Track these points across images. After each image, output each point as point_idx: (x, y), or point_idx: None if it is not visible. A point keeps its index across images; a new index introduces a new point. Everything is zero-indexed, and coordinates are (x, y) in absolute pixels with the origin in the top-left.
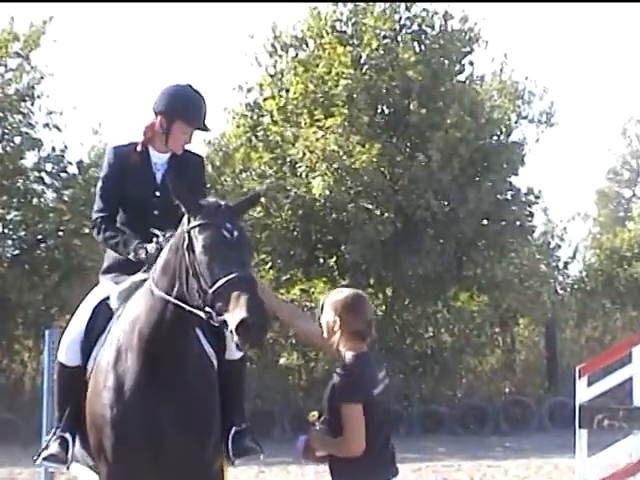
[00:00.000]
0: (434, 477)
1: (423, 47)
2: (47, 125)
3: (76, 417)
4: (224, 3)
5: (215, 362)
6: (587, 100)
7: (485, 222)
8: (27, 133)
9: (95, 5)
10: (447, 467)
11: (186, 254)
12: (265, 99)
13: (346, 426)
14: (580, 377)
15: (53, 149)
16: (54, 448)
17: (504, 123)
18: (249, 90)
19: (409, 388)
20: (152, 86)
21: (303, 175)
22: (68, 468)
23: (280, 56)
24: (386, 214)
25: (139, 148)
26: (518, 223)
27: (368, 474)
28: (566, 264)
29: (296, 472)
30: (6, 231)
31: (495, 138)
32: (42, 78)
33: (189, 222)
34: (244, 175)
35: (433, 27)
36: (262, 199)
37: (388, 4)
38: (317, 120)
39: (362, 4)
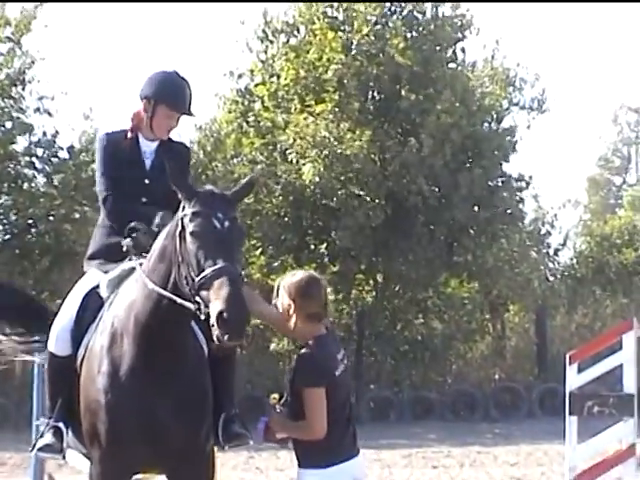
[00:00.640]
0: (424, 463)
1: (414, 33)
2: (38, 110)
3: (69, 406)
4: None
5: (206, 349)
6: (578, 87)
7: (476, 208)
8: (18, 118)
9: None
10: (437, 453)
11: (178, 241)
12: (256, 85)
13: (308, 410)
14: (570, 364)
15: (44, 134)
16: (49, 438)
17: (495, 110)
18: (240, 76)
19: (399, 374)
20: (143, 72)
21: (294, 161)
22: (63, 457)
23: (271, 42)
24: (377, 200)
25: (129, 135)
26: (509, 210)
27: (332, 454)
28: (557, 251)
29: (285, 457)
30: None
31: (486, 125)
32: (33, 63)
33: (183, 209)
34: (235, 161)
35: (424, 13)
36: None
37: None
38: (308, 106)
39: None
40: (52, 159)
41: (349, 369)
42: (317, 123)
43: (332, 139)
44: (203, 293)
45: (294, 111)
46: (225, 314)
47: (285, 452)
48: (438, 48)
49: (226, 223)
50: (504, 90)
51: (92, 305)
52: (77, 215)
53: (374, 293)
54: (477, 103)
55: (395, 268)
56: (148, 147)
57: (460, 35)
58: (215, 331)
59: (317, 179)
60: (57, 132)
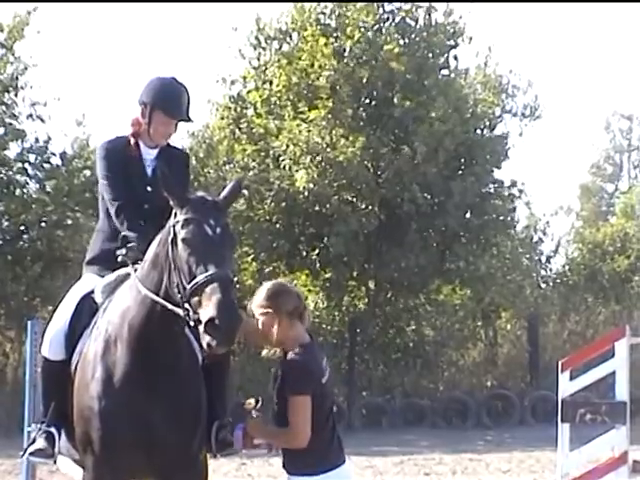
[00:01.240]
0: (416, 470)
1: (407, 40)
2: (31, 116)
3: (61, 411)
4: None
5: (200, 356)
6: (571, 94)
7: (468, 216)
8: (10, 124)
9: None
10: (429, 460)
11: (170, 248)
12: (248, 91)
13: (293, 417)
14: (562, 371)
15: (36, 140)
16: (40, 443)
17: (488, 117)
18: (233, 82)
19: (391, 381)
20: (136, 78)
21: (286, 168)
22: (55, 462)
23: (264, 48)
24: (370, 207)
25: (132, 141)
26: (501, 217)
27: (323, 460)
28: (549, 258)
29: (278, 465)
30: None
31: (479, 132)
32: (26, 69)
33: (175, 216)
34: (227, 167)
35: (417, 20)
36: (245, 192)
37: None
38: (301, 112)
39: None
40: (44, 165)
41: (332, 377)
42: (310, 129)
43: (325, 145)
44: (194, 300)
45: (287, 117)
46: (216, 320)
47: (278, 459)
48: (431, 55)
49: (218, 229)
50: (497, 97)
51: (87, 310)
52: (69, 221)
53: (366, 300)
54: (470, 110)
55: (387, 275)
56: (149, 154)
57: (453, 42)
58: (205, 337)
59: (310, 186)
60: (49, 138)
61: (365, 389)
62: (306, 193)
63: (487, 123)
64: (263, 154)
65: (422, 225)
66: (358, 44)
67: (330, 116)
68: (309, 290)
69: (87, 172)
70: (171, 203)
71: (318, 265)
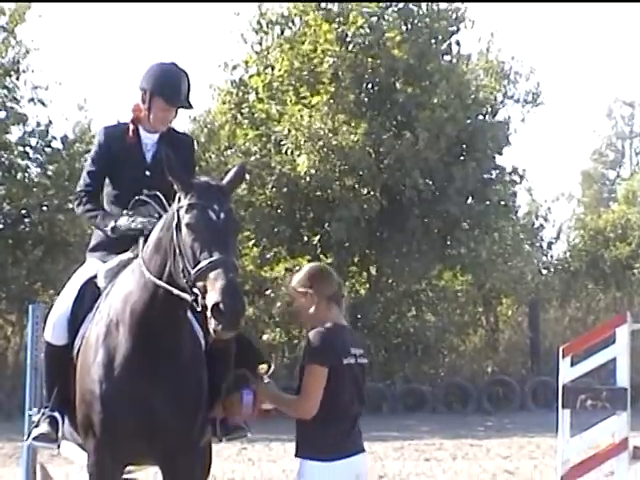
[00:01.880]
0: (416, 455)
1: (409, 26)
2: (32, 100)
3: (65, 396)
4: None
5: (203, 340)
6: (573, 81)
7: (470, 201)
8: (12, 108)
9: None
10: (429, 445)
11: (174, 233)
12: (250, 76)
13: (305, 385)
14: (563, 357)
15: (38, 124)
16: (44, 427)
17: (490, 103)
18: (234, 67)
19: (392, 367)
20: (138, 63)
21: (288, 153)
22: (58, 447)
23: (266, 33)
24: (371, 193)
25: (131, 127)
26: (503, 203)
27: (339, 447)
28: (550, 244)
29: (278, 449)
30: None
31: (481, 118)
32: (27, 53)
33: (179, 200)
34: (229, 152)
35: (420, 6)
36: (247, 176)
37: None
38: (303, 98)
39: None
40: (46, 149)
41: (365, 368)
42: (312, 115)
43: (327, 131)
44: (199, 284)
45: (289, 103)
46: (221, 305)
47: (278, 443)
48: (433, 41)
49: (222, 215)
50: (499, 83)
51: (89, 295)
52: (70, 205)
53: (367, 285)
54: (472, 96)
55: (389, 261)
56: (149, 139)
57: (455, 28)
58: (211, 322)
59: (312, 171)
60: (51, 122)
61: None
62: (308, 178)
63: (489, 109)
64: (265, 139)
65: (423, 211)
66: (361, 29)
67: (332, 102)
68: None
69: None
70: (175, 187)
71: (319, 250)
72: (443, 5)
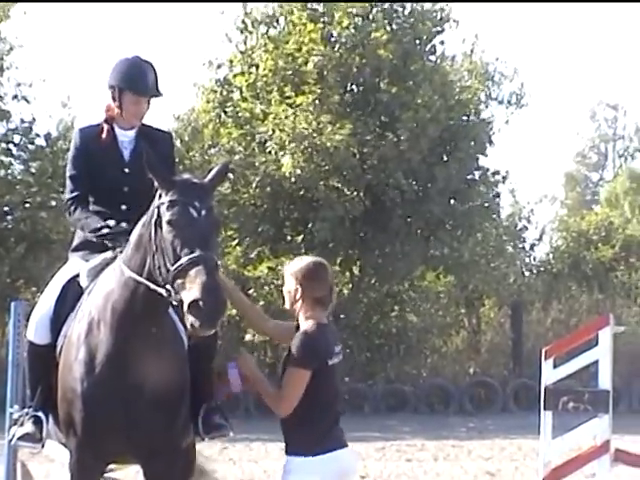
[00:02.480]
0: (398, 456)
1: (394, 26)
2: (16, 97)
3: (48, 395)
4: None
5: (185, 339)
6: (557, 83)
7: (453, 202)
8: None
9: None
10: (411, 446)
11: (153, 230)
12: (235, 75)
13: (285, 386)
14: (546, 359)
15: (22, 121)
16: (28, 427)
17: (473, 103)
18: (219, 66)
19: (374, 367)
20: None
21: (272, 153)
22: (43, 447)
23: (250, 32)
24: (355, 193)
25: (105, 127)
26: (486, 204)
27: (320, 442)
28: (533, 246)
29: (259, 449)
30: None
31: (464, 118)
32: (11, 49)
33: (160, 197)
34: (213, 151)
35: (404, 6)
36: (230, 175)
37: None
38: (287, 97)
39: None
40: (29, 146)
41: (341, 367)
42: (297, 115)
43: (312, 131)
44: (178, 281)
45: (273, 102)
46: (200, 302)
47: (259, 443)
48: (417, 41)
49: (203, 212)
50: (482, 84)
51: (72, 294)
52: (53, 203)
53: (350, 286)
54: (455, 97)
55: (372, 261)
56: (126, 136)
57: (439, 28)
58: (189, 319)
59: (296, 171)
60: (34, 119)
61: (348, 375)
62: (292, 178)
63: (472, 110)
64: (249, 138)
65: (407, 211)
66: (346, 30)
67: (317, 102)
68: None
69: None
70: (156, 184)
71: (303, 250)
72: (427, 5)
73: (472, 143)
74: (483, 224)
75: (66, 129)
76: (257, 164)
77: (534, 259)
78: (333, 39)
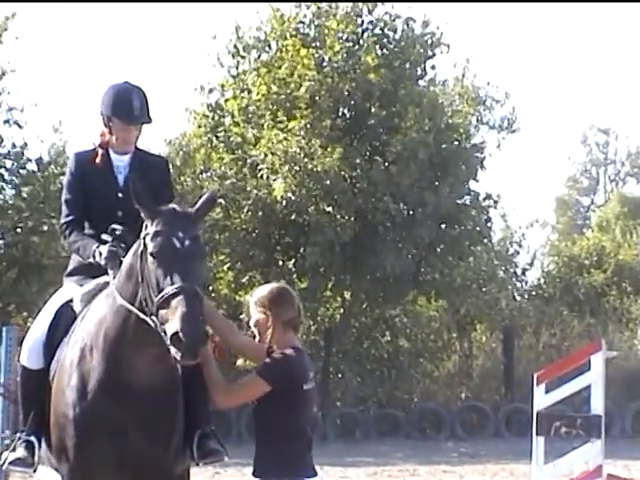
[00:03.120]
0: None
1: (385, 51)
2: (7, 121)
3: (41, 419)
4: (187, 3)
5: (179, 365)
6: (548, 108)
7: (444, 226)
8: None
9: (58, 4)
10: (403, 471)
11: (139, 260)
12: (226, 100)
13: (240, 385)
14: (538, 384)
15: (13, 145)
16: (20, 452)
17: (464, 128)
18: (211, 91)
19: (365, 392)
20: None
21: (264, 177)
22: (35, 471)
23: (243, 57)
24: (346, 217)
25: (100, 152)
26: (477, 228)
27: (296, 468)
28: (524, 271)
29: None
30: None
31: (456, 143)
32: (4, 74)
33: (146, 228)
34: (204, 175)
35: (395, 31)
36: (222, 200)
37: (350, 6)
38: (279, 122)
39: (325, 5)
40: (20, 171)
41: (315, 389)
42: (288, 139)
43: (303, 155)
44: (162, 312)
45: (265, 127)
46: (180, 334)
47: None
48: (408, 66)
49: (186, 242)
50: (473, 108)
51: (65, 319)
52: (45, 227)
53: (342, 310)
54: (446, 121)
55: (363, 285)
56: (121, 161)
57: (430, 52)
58: (171, 350)
59: (288, 195)
60: (26, 144)
61: (339, 399)
62: (284, 203)
63: (463, 134)
64: (240, 163)
65: (397, 235)
66: (337, 55)
67: (308, 126)
68: None
69: (63, 178)
70: (142, 215)
71: (294, 275)
72: (418, 30)
73: (463, 167)
74: (474, 248)
75: (58, 154)
76: (249, 188)
77: (526, 284)
78: (325, 64)
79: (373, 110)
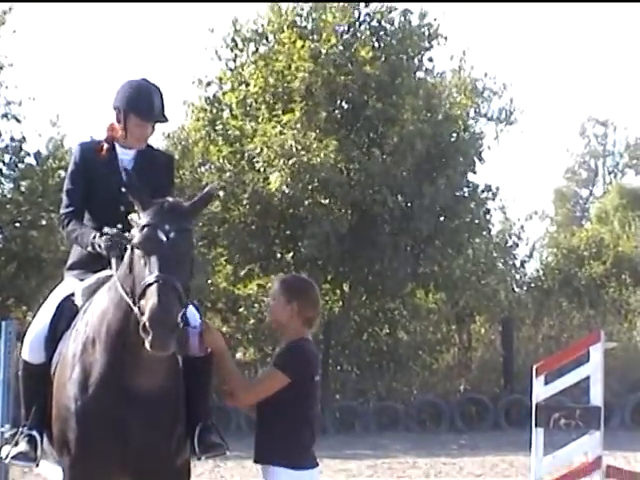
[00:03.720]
0: (389, 473)
1: (382, 43)
2: (5, 115)
3: (43, 414)
4: None
5: (180, 358)
6: (546, 100)
7: (442, 219)
8: None
9: None
10: (402, 464)
11: (130, 252)
12: (224, 93)
13: (260, 383)
14: (537, 375)
15: (11, 139)
16: (23, 446)
17: (462, 120)
18: (209, 84)
19: (365, 384)
20: (111, 79)
21: (261, 170)
22: (37, 466)
23: (240, 50)
24: (343, 210)
25: (105, 145)
26: (476, 221)
27: (304, 456)
28: (523, 263)
29: (251, 467)
30: None
31: (454, 135)
32: (1, 68)
33: (138, 220)
34: (203, 169)
35: (392, 23)
36: (221, 193)
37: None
38: (275, 115)
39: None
40: (19, 165)
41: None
42: (284, 132)
43: (299, 148)
44: (141, 303)
45: (262, 120)
46: (147, 323)
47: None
48: (405, 58)
49: (172, 234)
50: (471, 100)
51: (67, 313)
52: (44, 222)
53: (340, 303)
54: (444, 113)
55: (362, 278)
56: (126, 155)
57: (427, 44)
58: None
59: (284, 188)
60: (24, 138)
61: (339, 392)
62: (280, 195)
63: (461, 126)
64: (238, 156)
65: (394, 228)
66: (334, 47)
67: (304, 119)
68: None
69: (61, 172)
70: (135, 207)
71: (293, 268)
72: (415, 22)
73: (461, 159)
74: (473, 241)
75: (56, 148)
76: (246, 181)
77: (525, 275)
78: (321, 56)
79: (370, 102)
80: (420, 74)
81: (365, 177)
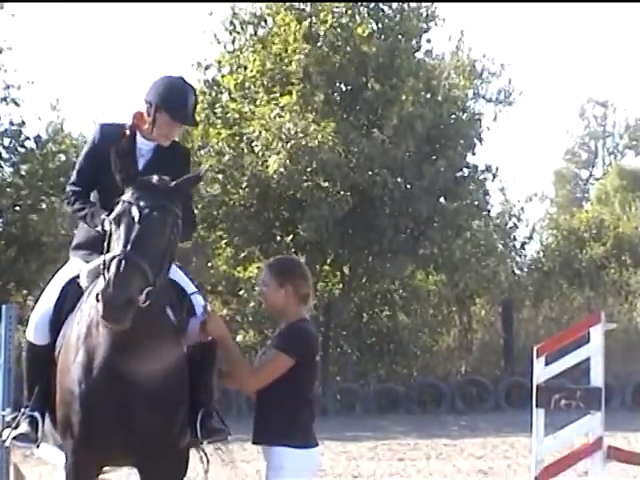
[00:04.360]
0: (390, 455)
1: (380, 24)
2: (5, 99)
3: (46, 396)
4: None
5: (184, 340)
6: (545, 81)
7: (442, 200)
8: None
9: None
10: (403, 445)
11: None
12: (223, 76)
13: (264, 365)
14: (538, 357)
15: (11, 123)
16: (24, 427)
17: (461, 100)
18: (207, 67)
19: (365, 367)
20: (110, 63)
21: (260, 153)
22: (38, 447)
23: (239, 33)
24: (342, 192)
25: (127, 132)
26: (476, 202)
27: (307, 436)
28: (523, 244)
29: (252, 449)
30: None
31: (453, 116)
32: (0, 52)
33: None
34: (202, 152)
35: (390, 5)
36: (220, 176)
37: None
38: (274, 98)
39: None
40: (19, 149)
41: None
42: (282, 115)
43: (297, 131)
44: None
45: (260, 102)
46: (99, 295)
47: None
48: (403, 39)
49: (145, 211)
50: (469, 81)
51: (72, 295)
52: (44, 205)
53: (341, 285)
54: (443, 94)
55: (361, 260)
56: (145, 145)
57: (425, 26)
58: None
59: (282, 171)
60: (24, 122)
61: (339, 374)
62: (278, 178)
63: (460, 107)
64: (237, 139)
65: (394, 210)
66: (332, 29)
67: (302, 101)
68: None
69: (61, 156)
70: (119, 184)
71: (292, 250)
72: (414, 4)
73: (461, 141)
74: (473, 222)
75: (55, 132)
76: (245, 164)
77: (525, 257)
78: (319, 38)
79: (369, 84)
80: (419, 55)
81: (364, 159)
